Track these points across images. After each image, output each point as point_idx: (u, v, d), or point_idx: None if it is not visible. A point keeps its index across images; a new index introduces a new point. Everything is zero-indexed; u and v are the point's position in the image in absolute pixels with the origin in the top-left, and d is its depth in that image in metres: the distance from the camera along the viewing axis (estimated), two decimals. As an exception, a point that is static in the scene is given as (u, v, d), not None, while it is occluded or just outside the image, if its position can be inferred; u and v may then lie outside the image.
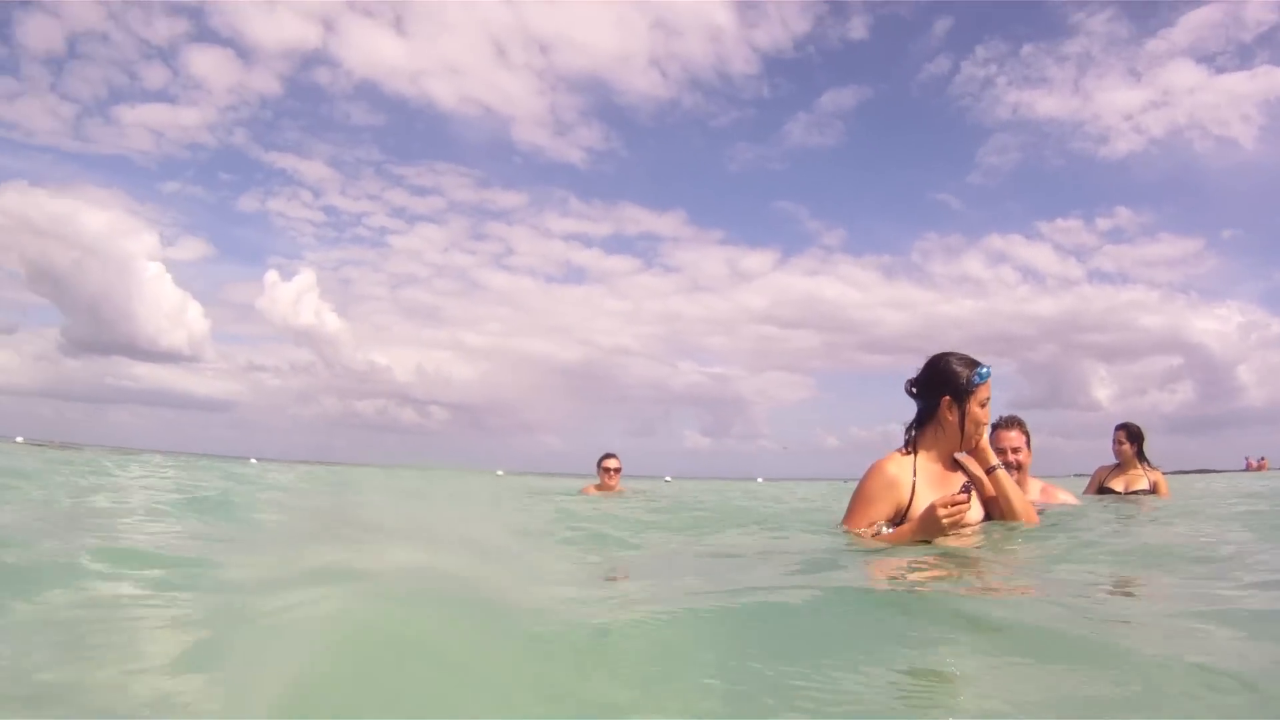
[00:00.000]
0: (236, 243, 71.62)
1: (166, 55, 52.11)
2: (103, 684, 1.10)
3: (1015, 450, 3.65)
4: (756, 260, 66.15)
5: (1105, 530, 2.90)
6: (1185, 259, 54.96)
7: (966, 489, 2.31)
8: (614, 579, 2.19)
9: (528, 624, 1.21)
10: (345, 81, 53.74)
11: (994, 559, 2.27)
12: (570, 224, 65.17)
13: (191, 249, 61.44)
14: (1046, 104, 50.60)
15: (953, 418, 2.50)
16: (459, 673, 0.99)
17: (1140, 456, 5.37)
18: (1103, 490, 5.36)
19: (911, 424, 2.58)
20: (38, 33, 50.73)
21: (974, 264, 60.64)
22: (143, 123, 53.55)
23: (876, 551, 2.29)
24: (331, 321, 66.43)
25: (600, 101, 59.00)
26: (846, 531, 2.54)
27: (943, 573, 1.98)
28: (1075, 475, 7.31)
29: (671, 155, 63.13)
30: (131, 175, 59.30)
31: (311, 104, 57.56)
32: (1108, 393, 59.47)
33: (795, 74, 57.22)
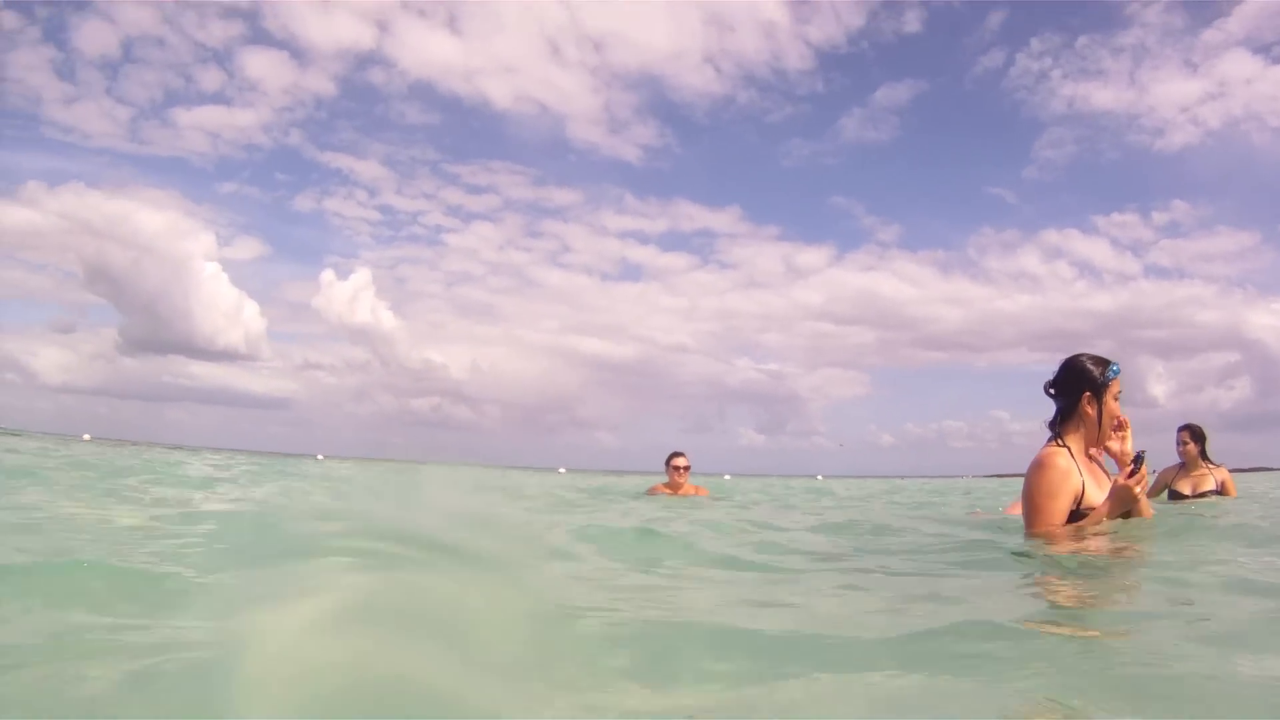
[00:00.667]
0: (292, 242, 73.19)
1: (221, 58, 53.96)
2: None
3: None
4: (812, 256, 66.95)
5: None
6: (1242, 252, 53.87)
7: (1139, 458, 2.67)
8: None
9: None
10: (400, 81, 55.20)
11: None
12: (626, 221, 66.55)
13: (248, 249, 63.69)
14: (1102, 96, 50.60)
15: (1092, 411, 2.79)
16: None
17: (1203, 455, 5.61)
18: (1171, 493, 5.59)
19: (1054, 420, 2.87)
20: (93, 37, 53.19)
21: (1030, 259, 59.88)
22: (199, 124, 55.62)
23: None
24: (387, 320, 67.68)
25: (654, 98, 59.74)
26: (1032, 535, 2.66)
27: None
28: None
29: (726, 151, 63.85)
30: (188, 176, 61.83)
31: (366, 104, 58.85)
32: (1164, 389, 59.08)
33: (849, 69, 57.86)
